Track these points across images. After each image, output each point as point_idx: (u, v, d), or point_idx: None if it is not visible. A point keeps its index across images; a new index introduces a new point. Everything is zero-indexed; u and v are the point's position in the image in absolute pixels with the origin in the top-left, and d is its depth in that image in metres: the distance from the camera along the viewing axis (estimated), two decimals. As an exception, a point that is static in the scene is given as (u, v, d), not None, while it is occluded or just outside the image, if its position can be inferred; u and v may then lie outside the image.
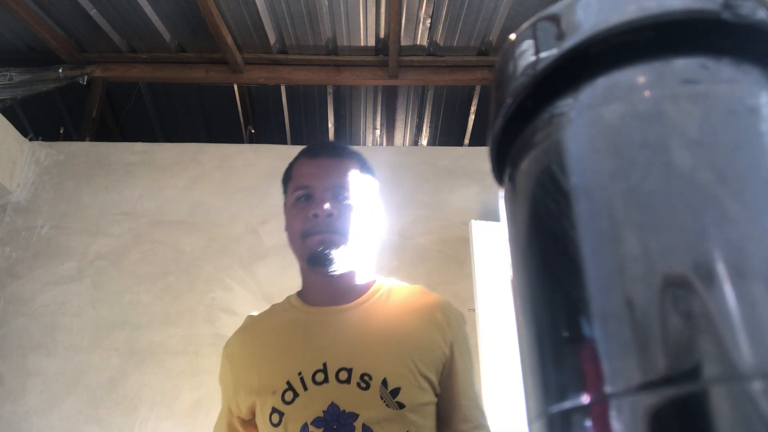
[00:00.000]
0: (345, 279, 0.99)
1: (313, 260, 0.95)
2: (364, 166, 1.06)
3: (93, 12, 2.79)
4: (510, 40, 0.17)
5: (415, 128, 3.60)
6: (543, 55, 0.16)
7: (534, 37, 0.16)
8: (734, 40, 0.14)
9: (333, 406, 0.85)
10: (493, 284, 2.15)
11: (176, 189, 2.60)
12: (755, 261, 0.13)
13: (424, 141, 3.67)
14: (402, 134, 3.64)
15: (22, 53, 3.08)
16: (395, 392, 0.86)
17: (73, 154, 2.71)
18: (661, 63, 0.15)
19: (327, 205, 0.95)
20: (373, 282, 1.03)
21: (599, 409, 0.13)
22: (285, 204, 1.05)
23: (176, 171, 2.65)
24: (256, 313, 1.06)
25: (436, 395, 0.90)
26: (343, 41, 3.00)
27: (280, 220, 0.98)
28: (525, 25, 0.17)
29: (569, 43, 0.15)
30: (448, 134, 3.61)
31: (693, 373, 0.12)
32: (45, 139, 2.78)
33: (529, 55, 0.16)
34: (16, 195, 2.59)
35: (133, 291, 2.36)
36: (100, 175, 2.64)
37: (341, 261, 0.95)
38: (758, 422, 0.11)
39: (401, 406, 0.85)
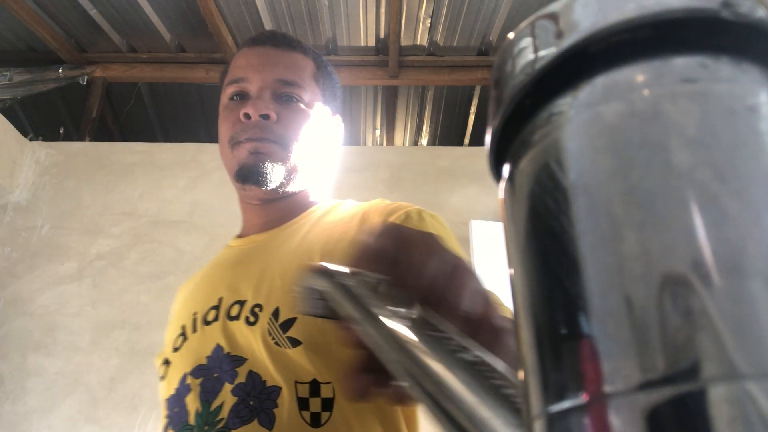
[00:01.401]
0: (283, 204, 0.78)
1: (240, 176, 0.74)
2: (322, 66, 0.85)
3: (93, 12, 2.79)
4: (508, 39, 0.17)
5: (415, 128, 3.60)
6: (541, 53, 0.16)
7: (533, 35, 0.16)
8: (733, 38, 0.14)
9: (217, 349, 0.65)
10: (493, 284, 2.15)
11: (176, 189, 2.60)
12: (755, 260, 0.13)
13: (424, 141, 3.67)
14: (402, 134, 3.64)
15: (22, 53, 3.08)
16: (287, 325, 0.61)
17: (73, 154, 2.71)
18: (660, 62, 0.15)
19: (263, 104, 0.74)
20: (317, 203, 0.80)
21: (598, 409, 0.13)
22: (220, 107, 0.82)
23: (176, 171, 2.65)
24: None
25: None
26: (343, 41, 3.00)
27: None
28: (524, 24, 0.17)
29: (568, 41, 0.15)
30: (448, 134, 3.61)
31: (692, 372, 0.12)
32: (45, 139, 2.78)
33: (527, 53, 0.16)
34: (16, 195, 2.59)
35: (133, 291, 2.36)
36: (100, 175, 2.64)
37: (278, 179, 0.74)
38: (758, 422, 0.11)
39: (295, 342, 0.60)
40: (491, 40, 2.96)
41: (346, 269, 0.33)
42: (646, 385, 0.12)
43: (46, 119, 3.41)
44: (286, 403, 0.59)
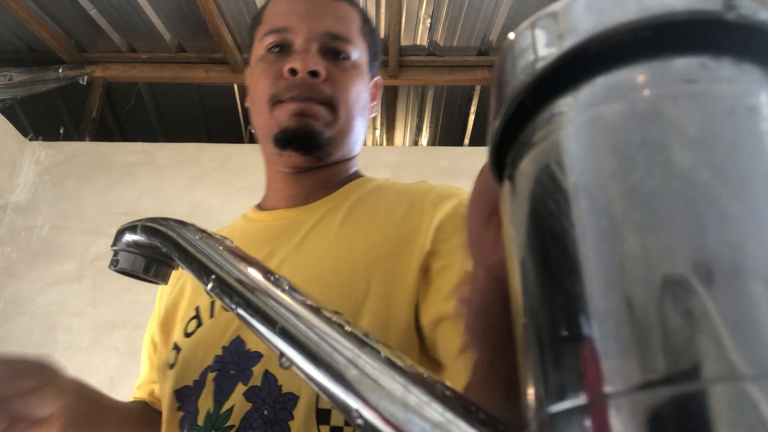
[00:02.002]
0: (319, 176, 0.70)
1: (282, 140, 0.66)
2: (368, 21, 0.74)
3: (93, 12, 2.79)
4: (509, 39, 0.17)
5: (415, 128, 3.60)
6: (542, 54, 0.16)
7: (533, 36, 0.16)
8: (734, 39, 0.14)
9: (237, 342, 0.57)
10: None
11: (176, 189, 2.60)
12: (755, 260, 0.13)
13: (424, 141, 3.67)
14: (402, 134, 3.64)
15: (22, 53, 3.08)
16: None
17: (73, 154, 2.70)
18: (661, 62, 0.15)
19: (312, 59, 0.65)
20: (357, 178, 0.73)
21: (599, 409, 0.13)
22: (250, 62, 0.73)
23: (176, 171, 2.65)
24: None
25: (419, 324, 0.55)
26: (343, 41, 2.99)
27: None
28: (524, 24, 0.17)
29: (569, 42, 0.15)
30: (448, 134, 3.60)
31: (692, 372, 0.12)
32: (45, 139, 2.77)
33: (528, 54, 0.16)
34: (16, 195, 2.59)
35: (133, 291, 2.36)
36: (100, 175, 2.64)
37: (322, 146, 0.66)
38: (758, 422, 0.11)
39: None
40: (491, 40, 2.96)
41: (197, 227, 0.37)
42: (646, 386, 0.12)
43: (46, 119, 3.41)
44: (302, 414, 0.51)
